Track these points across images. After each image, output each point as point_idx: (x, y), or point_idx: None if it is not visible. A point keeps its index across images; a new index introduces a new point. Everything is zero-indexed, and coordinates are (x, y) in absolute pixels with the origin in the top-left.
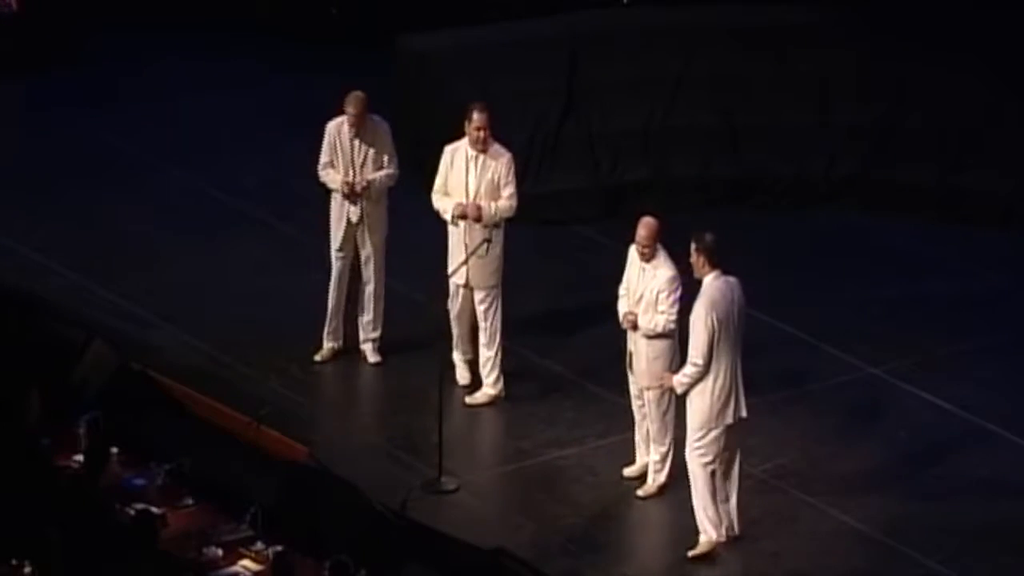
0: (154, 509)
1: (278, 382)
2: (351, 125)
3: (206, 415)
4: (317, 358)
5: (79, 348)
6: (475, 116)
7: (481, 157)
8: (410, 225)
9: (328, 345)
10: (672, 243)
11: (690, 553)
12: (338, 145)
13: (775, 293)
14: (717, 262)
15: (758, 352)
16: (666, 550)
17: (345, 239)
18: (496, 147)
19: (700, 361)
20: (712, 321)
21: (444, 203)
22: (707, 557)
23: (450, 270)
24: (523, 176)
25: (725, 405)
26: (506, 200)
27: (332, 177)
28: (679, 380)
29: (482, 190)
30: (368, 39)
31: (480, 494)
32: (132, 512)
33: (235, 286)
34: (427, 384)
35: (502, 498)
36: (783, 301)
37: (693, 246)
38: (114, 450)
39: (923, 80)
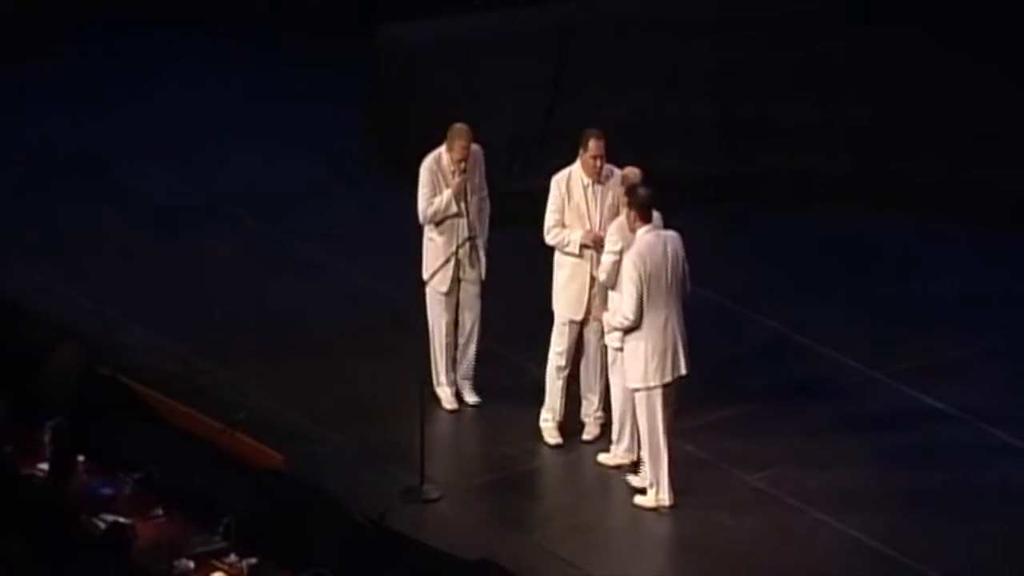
0: (122, 520)
1: (253, 387)
2: (462, 159)
3: (177, 421)
4: (448, 407)
5: (46, 350)
6: (592, 144)
7: (598, 183)
8: (392, 227)
9: (450, 391)
10: None
11: (636, 499)
12: (440, 180)
13: (771, 293)
14: (650, 216)
15: (753, 355)
16: (657, 559)
17: (453, 281)
18: (608, 168)
19: (631, 316)
20: (639, 276)
21: (565, 235)
22: (651, 511)
23: (557, 305)
24: (510, 172)
25: (661, 363)
26: None
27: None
28: (608, 322)
29: (607, 216)
30: (346, 29)
31: (464, 503)
32: (100, 523)
33: (210, 287)
34: (408, 389)
35: (487, 507)
36: (779, 301)
37: (625, 200)
38: (81, 458)
39: (926, 73)
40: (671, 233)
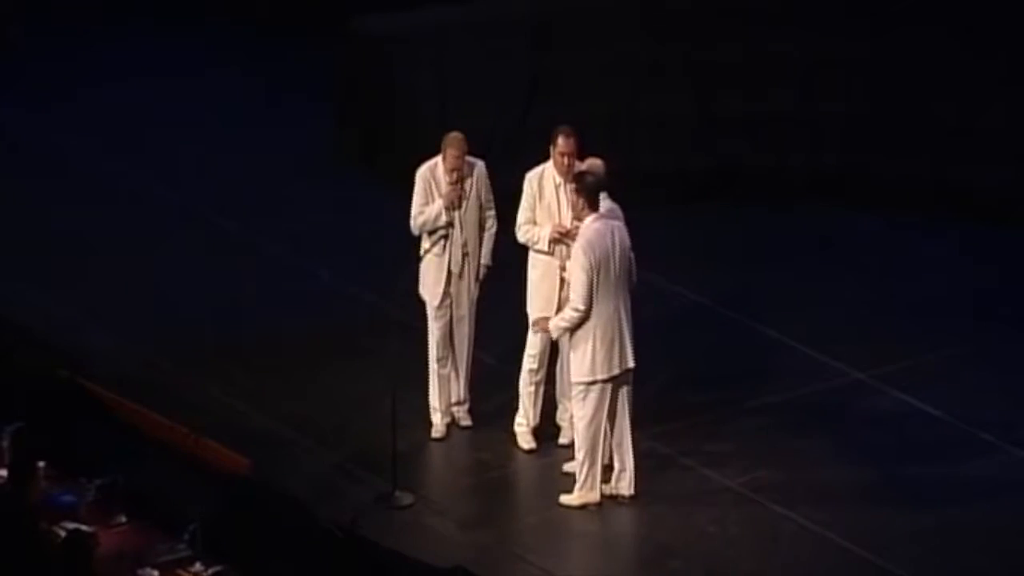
0: (84, 528)
1: (220, 390)
2: (453, 169)
3: (141, 426)
4: (436, 435)
5: (4, 353)
6: (560, 141)
7: (570, 183)
8: (364, 226)
9: (445, 420)
10: (643, 239)
11: (562, 498)
12: (434, 189)
13: (752, 293)
14: (597, 205)
15: (735, 356)
16: (635, 566)
17: (444, 295)
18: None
19: (581, 306)
20: (590, 264)
21: (535, 232)
22: (577, 509)
23: (530, 308)
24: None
25: (609, 354)
26: None
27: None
28: (556, 324)
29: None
30: (316, 22)
31: (437, 509)
32: (61, 532)
33: (176, 288)
34: (380, 393)
35: (461, 513)
36: (761, 301)
37: (573, 186)
38: (41, 464)
39: (909, 69)
40: (617, 223)
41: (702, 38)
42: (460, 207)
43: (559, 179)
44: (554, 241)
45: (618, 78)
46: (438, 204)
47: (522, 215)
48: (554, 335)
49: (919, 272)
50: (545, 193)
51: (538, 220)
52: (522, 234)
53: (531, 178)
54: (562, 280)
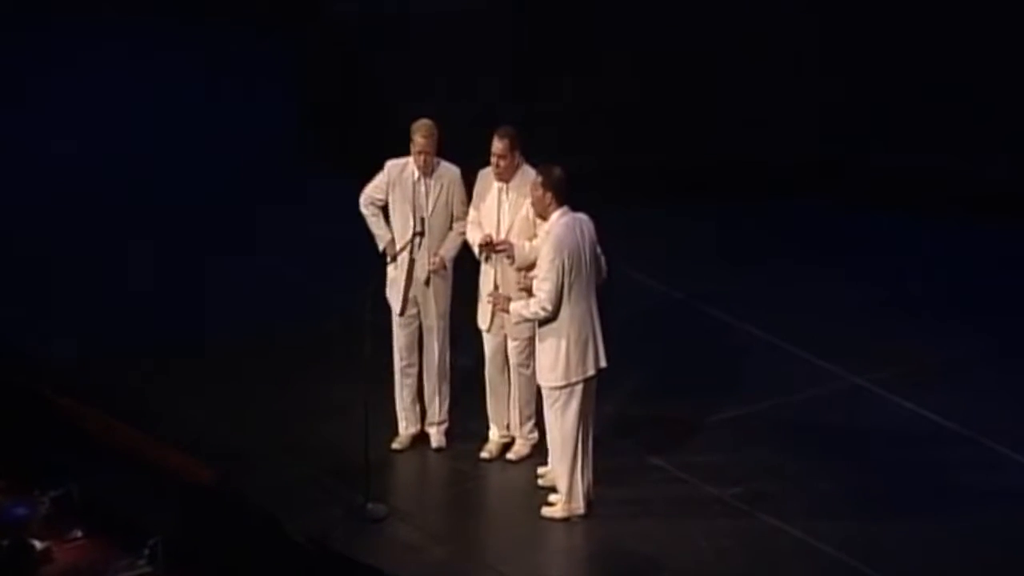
0: (38, 543)
1: (183, 397)
2: (420, 152)
3: (100, 435)
4: (396, 446)
5: None
6: (494, 143)
7: (513, 188)
8: (336, 225)
9: (409, 431)
10: (628, 239)
11: (544, 511)
12: (395, 188)
13: (743, 294)
14: (564, 199)
15: (726, 360)
16: None
17: (407, 301)
18: (532, 175)
19: (548, 306)
20: (561, 263)
21: (473, 234)
22: (561, 521)
23: (480, 319)
24: (461, 162)
25: (583, 355)
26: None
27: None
28: (517, 310)
29: (516, 227)
30: (290, 7)
31: (413, 522)
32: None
33: (137, 290)
34: (353, 401)
35: (437, 525)
36: (752, 303)
37: (538, 180)
38: None
39: (912, 59)
40: (583, 216)
41: (686, 26)
42: (394, 261)
43: (500, 182)
44: (483, 247)
45: (602, 70)
46: (384, 237)
47: (470, 213)
48: (512, 319)
49: (917, 271)
50: (488, 195)
51: (481, 221)
52: (467, 232)
53: (482, 175)
54: (495, 288)
